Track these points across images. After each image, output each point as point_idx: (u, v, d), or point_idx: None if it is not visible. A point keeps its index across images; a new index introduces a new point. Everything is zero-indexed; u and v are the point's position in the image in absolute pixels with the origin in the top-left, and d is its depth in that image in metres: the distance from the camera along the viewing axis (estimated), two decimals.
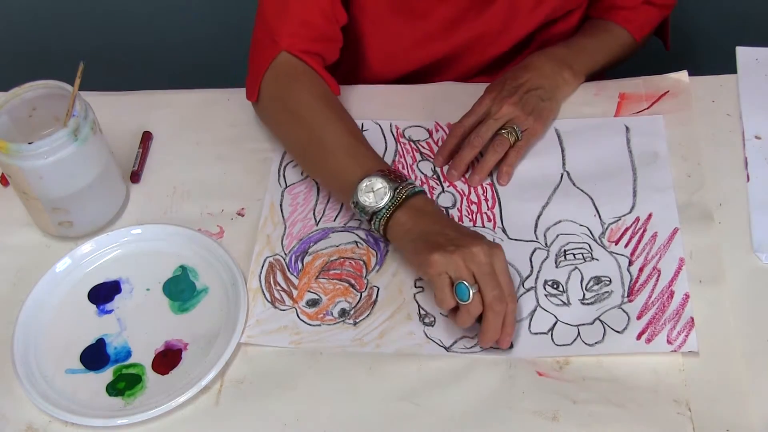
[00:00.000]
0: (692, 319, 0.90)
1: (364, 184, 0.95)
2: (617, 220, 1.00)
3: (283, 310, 0.96)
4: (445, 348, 0.91)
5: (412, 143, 1.11)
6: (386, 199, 0.94)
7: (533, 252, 0.98)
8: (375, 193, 0.94)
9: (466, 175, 1.06)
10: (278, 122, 1.08)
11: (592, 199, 1.02)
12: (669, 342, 0.89)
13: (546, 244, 0.98)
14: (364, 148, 1.01)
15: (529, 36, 1.19)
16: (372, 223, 0.95)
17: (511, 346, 0.90)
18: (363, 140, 1.02)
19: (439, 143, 1.10)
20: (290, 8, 1.05)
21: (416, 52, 1.17)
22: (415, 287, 0.96)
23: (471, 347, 0.91)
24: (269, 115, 1.10)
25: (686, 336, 0.89)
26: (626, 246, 0.97)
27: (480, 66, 1.20)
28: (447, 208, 1.03)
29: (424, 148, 1.10)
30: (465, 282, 0.87)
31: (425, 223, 0.93)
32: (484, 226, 1.01)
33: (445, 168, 1.07)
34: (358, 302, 0.96)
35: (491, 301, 0.87)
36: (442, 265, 0.87)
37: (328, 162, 1.01)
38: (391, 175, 0.95)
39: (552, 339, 0.91)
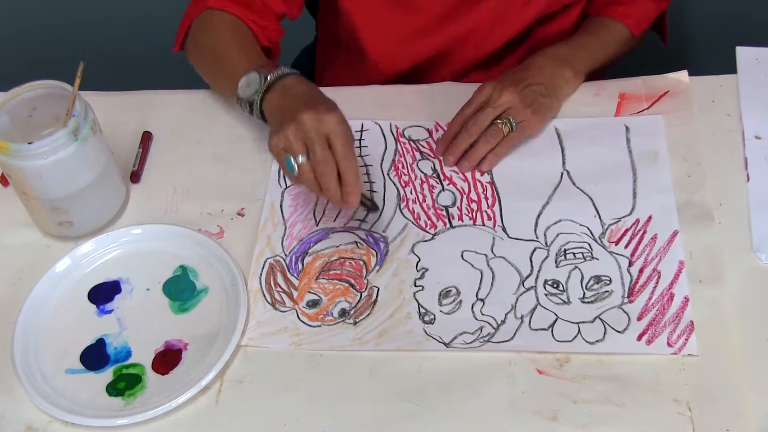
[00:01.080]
0: (692, 322, 0.90)
1: (242, 81, 1.01)
2: (617, 222, 1.00)
3: (284, 311, 0.96)
4: (445, 344, 0.91)
5: (412, 143, 1.11)
6: (257, 85, 0.99)
7: (533, 251, 0.98)
8: (250, 86, 1.00)
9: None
10: (197, 61, 1.14)
11: (592, 199, 1.02)
12: (669, 345, 0.89)
13: (546, 243, 0.98)
14: (253, 56, 1.05)
15: (526, 32, 1.19)
16: (254, 113, 1.01)
17: (375, 208, 1.00)
18: (255, 54, 1.06)
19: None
20: None
21: (411, 46, 1.18)
22: (415, 286, 0.97)
23: (471, 342, 0.91)
24: (192, 58, 1.15)
25: (686, 339, 0.89)
26: (626, 247, 0.97)
27: (476, 61, 1.21)
28: (447, 207, 1.03)
29: (423, 147, 1.10)
30: (290, 155, 0.91)
31: (289, 101, 0.95)
32: (484, 225, 1.01)
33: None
34: (358, 302, 0.96)
35: (313, 164, 0.91)
36: (277, 142, 0.92)
37: (227, 80, 1.05)
38: (267, 67, 1.00)
39: (552, 335, 0.91)
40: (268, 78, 0.99)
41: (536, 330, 0.92)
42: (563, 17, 1.19)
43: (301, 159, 0.91)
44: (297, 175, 0.91)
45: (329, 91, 1.17)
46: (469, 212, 1.03)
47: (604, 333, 0.91)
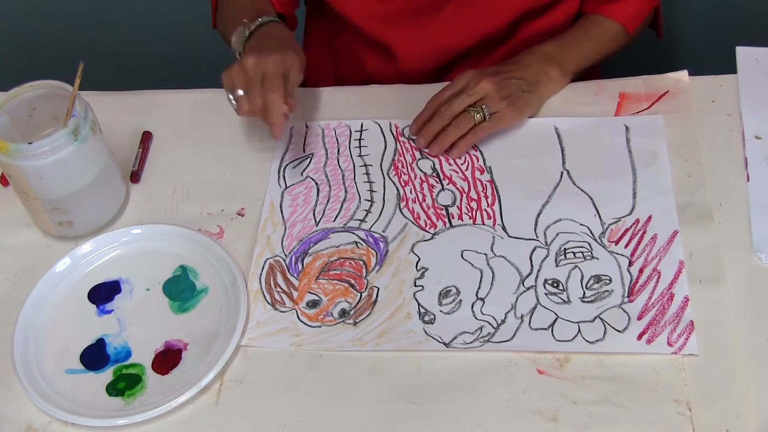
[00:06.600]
0: (692, 322, 0.90)
1: (234, 36, 1.09)
2: (617, 221, 1.00)
3: (284, 311, 0.96)
4: (445, 344, 0.91)
5: (411, 142, 1.11)
6: (242, 36, 1.07)
7: (533, 251, 0.98)
8: (237, 37, 1.08)
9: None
10: (221, 31, 1.21)
11: (591, 199, 1.02)
12: (669, 344, 0.89)
13: (546, 242, 0.99)
14: (253, 14, 1.10)
15: (511, 28, 1.19)
16: None
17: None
18: (255, 11, 1.11)
19: None
20: None
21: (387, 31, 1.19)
22: (415, 286, 0.97)
23: (471, 342, 0.91)
24: (219, 30, 1.23)
25: (686, 339, 0.89)
26: (626, 246, 0.97)
27: (455, 54, 1.21)
28: (446, 206, 1.03)
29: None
30: (229, 90, 1.02)
31: (261, 47, 1.03)
32: (484, 224, 1.01)
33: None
34: (358, 302, 0.96)
35: (251, 97, 1.00)
36: (224, 79, 1.02)
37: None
38: (254, 20, 1.08)
39: (552, 334, 0.91)
40: (251, 27, 1.07)
41: (536, 329, 0.92)
42: (549, 15, 1.19)
43: (239, 92, 1.01)
44: (237, 106, 1.01)
45: (329, 91, 1.18)
46: (468, 211, 1.03)
47: (604, 332, 0.91)
